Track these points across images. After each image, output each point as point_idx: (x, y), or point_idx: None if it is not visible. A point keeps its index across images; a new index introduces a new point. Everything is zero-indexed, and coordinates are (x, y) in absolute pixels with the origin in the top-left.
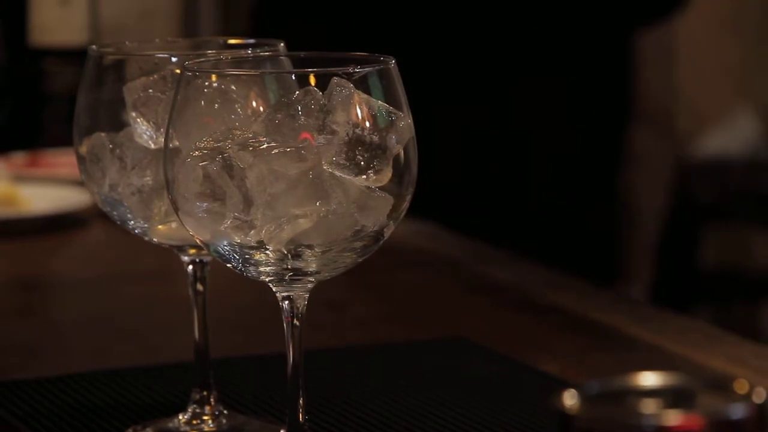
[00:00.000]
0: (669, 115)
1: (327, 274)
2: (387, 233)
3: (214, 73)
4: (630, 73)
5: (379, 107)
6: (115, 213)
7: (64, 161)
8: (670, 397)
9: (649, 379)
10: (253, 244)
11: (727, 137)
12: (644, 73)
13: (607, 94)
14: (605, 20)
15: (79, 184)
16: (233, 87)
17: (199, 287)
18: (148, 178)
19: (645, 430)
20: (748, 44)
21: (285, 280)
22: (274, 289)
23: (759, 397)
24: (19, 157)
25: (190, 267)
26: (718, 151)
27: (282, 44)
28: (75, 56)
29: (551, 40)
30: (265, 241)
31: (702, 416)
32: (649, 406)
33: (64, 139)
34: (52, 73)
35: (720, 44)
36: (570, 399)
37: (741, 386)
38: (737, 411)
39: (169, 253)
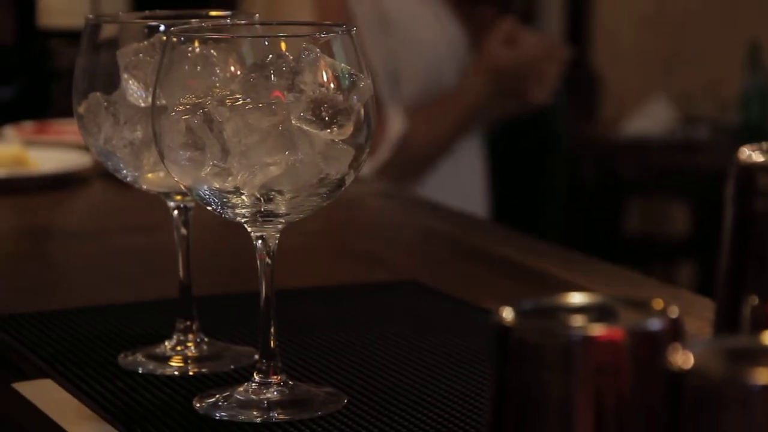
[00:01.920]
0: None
1: (295, 216)
2: (348, 181)
3: (196, 38)
4: None
5: (342, 69)
6: (109, 163)
7: (68, 129)
8: (595, 313)
9: (576, 298)
10: (230, 189)
11: (647, 121)
12: None
13: None
14: None
15: (82, 148)
16: (213, 51)
17: (183, 231)
18: (138, 132)
19: (572, 340)
20: (666, 39)
21: (258, 221)
22: (249, 230)
23: (673, 312)
24: (29, 125)
25: (176, 212)
26: (639, 133)
27: (257, 15)
28: (79, 37)
29: None
30: (240, 187)
31: (623, 328)
32: (576, 320)
33: (68, 111)
34: (59, 52)
35: (640, 40)
36: (506, 314)
37: (657, 304)
38: (654, 324)
39: (159, 208)
